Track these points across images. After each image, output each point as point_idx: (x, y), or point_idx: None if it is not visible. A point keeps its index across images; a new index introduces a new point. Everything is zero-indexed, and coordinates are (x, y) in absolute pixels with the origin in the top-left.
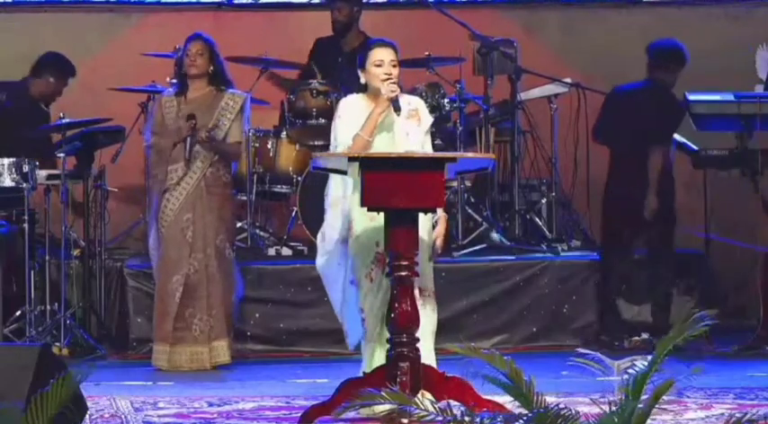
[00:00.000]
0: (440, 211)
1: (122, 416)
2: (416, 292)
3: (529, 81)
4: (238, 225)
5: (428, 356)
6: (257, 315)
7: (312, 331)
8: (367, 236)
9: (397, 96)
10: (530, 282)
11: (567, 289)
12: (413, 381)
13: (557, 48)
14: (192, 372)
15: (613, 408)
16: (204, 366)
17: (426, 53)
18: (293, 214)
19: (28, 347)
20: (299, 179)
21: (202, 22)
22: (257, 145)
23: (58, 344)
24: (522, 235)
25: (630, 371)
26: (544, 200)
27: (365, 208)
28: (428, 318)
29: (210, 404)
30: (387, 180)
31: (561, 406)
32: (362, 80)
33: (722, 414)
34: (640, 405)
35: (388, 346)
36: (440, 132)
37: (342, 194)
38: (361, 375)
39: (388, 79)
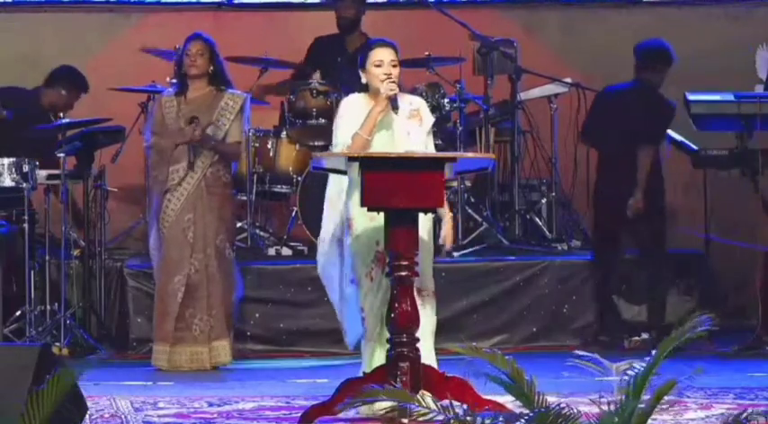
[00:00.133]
0: (445, 209)
1: (122, 416)
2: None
3: (529, 81)
4: (238, 225)
5: (428, 356)
6: (257, 315)
7: (312, 331)
8: (367, 235)
9: (395, 95)
10: (530, 282)
11: (566, 289)
12: (413, 381)
13: (557, 48)
14: (192, 372)
15: (613, 408)
16: (204, 366)
17: (426, 53)
18: (293, 214)
19: (28, 347)
20: (299, 179)
21: (202, 22)
22: (257, 145)
23: (57, 344)
24: (522, 235)
25: (630, 372)
26: (544, 200)
27: (365, 208)
28: (428, 318)
29: (210, 404)
30: (387, 180)
31: (562, 406)
32: (363, 80)
33: (722, 414)
34: (641, 405)
35: (388, 346)
36: (440, 132)
37: (337, 192)
38: (361, 375)
39: (387, 79)
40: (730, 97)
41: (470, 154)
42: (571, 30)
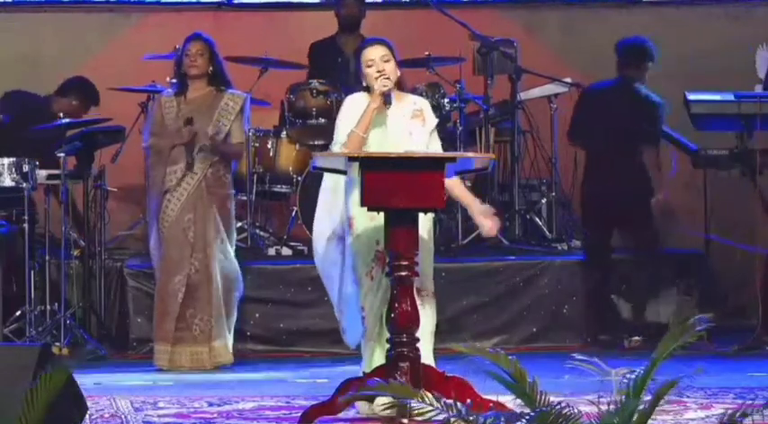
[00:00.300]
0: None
1: (122, 416)
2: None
3: (529, 81)
4: (238, 224)
5: (427, 356)
6: (257, 315)
7: (312, 331)
8: (368, 235)
9: (389, 90)
10: (530, 282)
11: (566, 289)
12: (413, 381)
13: (557, 48)
14: (192, 372)
15: (613, 408)
16: (204, 366)
17: (426, 53)
18: (293, 214)
19: (28, 347)
20: (299, 179)
21: (202, 21)
22: (257, 145)
23: (57, 344)
24: (522, 235)
25: (629, 376)
26: (544, 200)
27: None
28: (427, 318)
29: (210, 404)
30: (387, 180)
31: (563, 405)
32: (363, 83)
33: (722, 414)
34: (641, 406)
35: (388, 346)
36: (440, 132)
37: (331, 188)
38: (361, 374)
39: (380, 76)
40: (730, 97)
41: (470, 154)
42: (571, 30)
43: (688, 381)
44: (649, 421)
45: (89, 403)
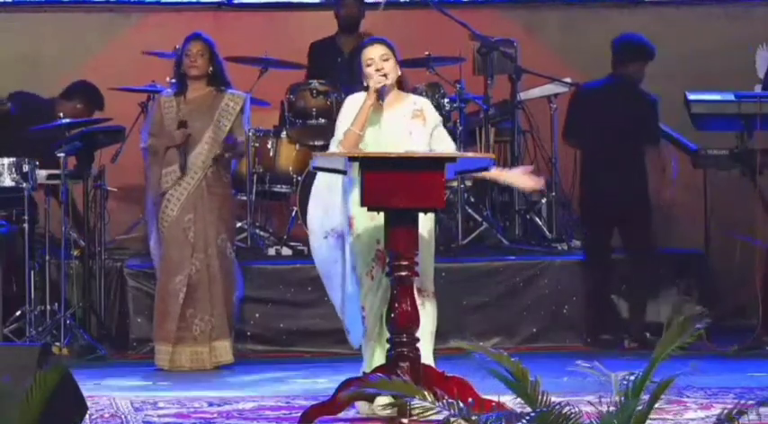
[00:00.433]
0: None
1: (122, 416)
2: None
3: (529, 81)
4: (238, 225)
5: (427, 356)
6: (257, 315)
7: (312, 331)
8: (368, 234)
9: (383, 87)
10: (530, 282)
11: (566, 289)
12: (413, 380)
13: (557, 48)
14: (192, 372)
15: (613, 409)
16: (204, 366)
17: (426, 53)
18: (293, 214)
19: (28, 347)
20: (299, 179)
21: (202, 21)
22: (257, 145)
23: (57, 344)
24: (522, 235)
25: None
26: (544, 200)
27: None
28: (428, 318)
29: (210, 404)
30: (387, 180)
31: (564, 405)
32: (364, 82)
33: (723, 413)
34: (639, 406)
35: (388, 346)
36: None
37: (325, 185)
38: (361, 374)
39: (378, 73)
40: (730, 97)
41: (470, 154)
42: (571, 30)
43: (685, 379)
44: (649, 421)
45: (89, 403)
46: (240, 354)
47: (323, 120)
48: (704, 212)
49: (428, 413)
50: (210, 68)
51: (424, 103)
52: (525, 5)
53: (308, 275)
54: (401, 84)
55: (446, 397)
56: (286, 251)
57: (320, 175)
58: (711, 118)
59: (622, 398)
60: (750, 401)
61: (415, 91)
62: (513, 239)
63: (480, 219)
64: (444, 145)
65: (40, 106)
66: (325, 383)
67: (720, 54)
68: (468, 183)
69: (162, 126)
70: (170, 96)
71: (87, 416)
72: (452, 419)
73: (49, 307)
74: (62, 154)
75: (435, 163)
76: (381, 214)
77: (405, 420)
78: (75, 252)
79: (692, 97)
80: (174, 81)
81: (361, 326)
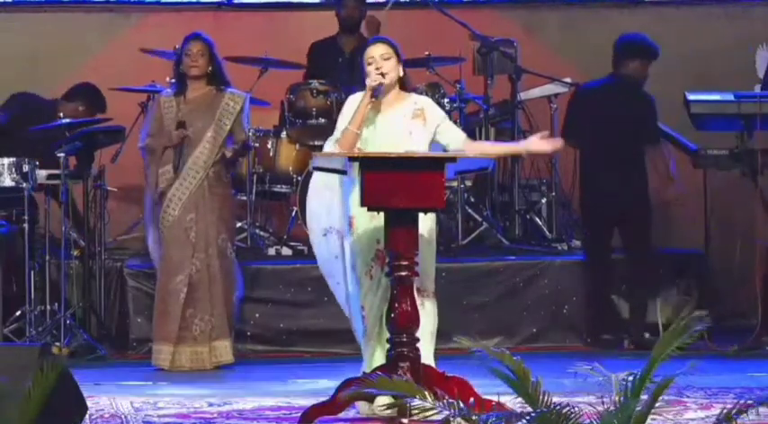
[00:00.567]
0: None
1: (122, 416)
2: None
3: (529, 81)
4: (238, 225)
5: (427, 357)
6: (257, 315)
7: (312, 331)
8: (368, 234)
9: (380, 85)
10: (530, 282)
11: (567, 289)
12: (413, 380)
13: (557, 48)
14: (192, 372)
15: (612, 408)
16: (204, 366)
17: (426, 53)
18: (293, 214)
19: (28, 347)
20: (299, 179)
21: (202, 21)
22: (257, 145)
23: (57, 344)
24: (522, 235)
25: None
26: (544, 200)
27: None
28: (427, 319)
29: (210, 404)
30: (387, 180)
31: (564, 404)
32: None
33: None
34: (639, 407)
35: (388, 346)
36: None
37: (323, 183)
38: (360, 374)
39: (376, 72)
40: (730, 97)
41: (470, 154)
42: (571, 31)
43: (685, 379)
44: (649, 421)
45: (89, 403)
46: (240, 354)
47: (323, 120)
48: (704, 212)
49: (428, 413)
50: (210, 68)
51: (426, 102)
52: (525, 5)
53: (308, 275)
54: (404, 84)
55: (446, 397)
56: (286, 251)
57: (317, 173)
58: (711, 118)
59: (622, 398)
60: (750, 401)
61: (415, 91)
62: (513, 239)
63: (480, 219)
64: (452, 134)
65: (42, 107)
66: (325, 383)
67: (720, 54)
68: (469, 183)
69: (161, 125)
70: (170, 96)
71: (87, 416)
72: (452, 419)
73: (49, 307)
74: (62, 154)
75: (435, 163)
76: (381, 214)
77: (405, 420)
78: (75, 252)
79: (691, 97)
80: (173, 81)
81: (362, 325)
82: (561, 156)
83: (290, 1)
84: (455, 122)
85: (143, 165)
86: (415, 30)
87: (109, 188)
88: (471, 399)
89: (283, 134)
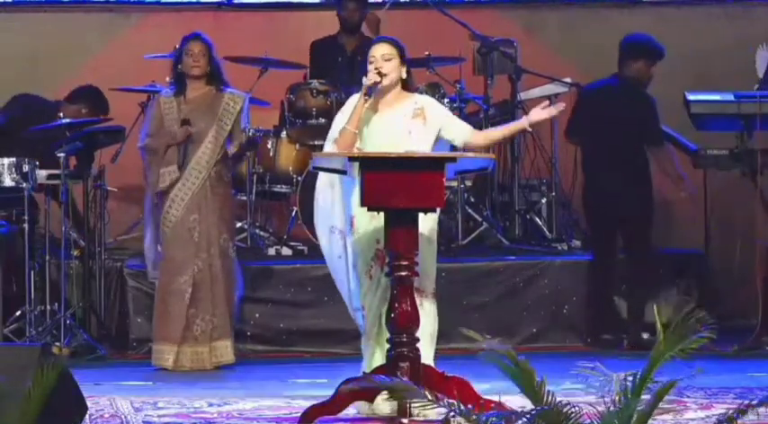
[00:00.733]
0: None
1: (122, 416)
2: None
3: (529, 81)
4: (238, 225)
5: (426, 357)
6: (257, 315)
7: (312, 331)
8: (368, 234)
9: (376, 85)
10: (530, 282)
11: (566, 289)
12: (413, 380)
13: (557, 48)
14: (192, 372)
15: (613, 408)
16: (204, 367)
17: (426, 53)
18: (293, 214)
19: (28, 347)
20: (299, 179)
21: (202, 21)
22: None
23: (58, 344)
24: (522, 235)
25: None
26: (544, 200)
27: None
28: (427, 319)
29: (210, 404)
30: (387, 180)
31: (564, 402)
32: None
33: (722, 414)
34: (640, 406)
35: (388, 346)
36: None
37: (328, 182)
38: (361, 374)
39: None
40: (730, 97)
41: (470, 154)
42: (571, 31)
43: (688, 382)
44: (649, 421)
45: (89, 403)
46: (240, 354)
47: (323, 120)
48: (704, 212)
49: (428, 410)
50: (209, 68)
51: (426, 102)
52: (525, 5)
53: (308, 275)
54: (407, 85)
55: (446, 397)
56: (286, 251)
57: (321, 176)
58: (711, 118)
59: (623, 398)
60: (750, 401)
61: (416, 91)
62: (513, 239)
63: (480, 219)
64: (457, 129)
65: (44, 109)
66: (325, 383)
67: (720, 54)
68: (469, 183)
69: (161, 125)
70: (169, 96)
71: (87, 416)
72: (452, 419)
73: (49, 307)
74: (62, 154)
75: (435, 163)
76: (382, 213)
77: (405, 420)
78: (75, 252)
79: (691, 97)
80: (172, 81)
81: (362, 325)
82: (561, 156)
83: (290, 1)
84: None
85: (143, 165)
86: (415, 30)
87: (109, 188)
88: (470, 400)
89: (283, 134)
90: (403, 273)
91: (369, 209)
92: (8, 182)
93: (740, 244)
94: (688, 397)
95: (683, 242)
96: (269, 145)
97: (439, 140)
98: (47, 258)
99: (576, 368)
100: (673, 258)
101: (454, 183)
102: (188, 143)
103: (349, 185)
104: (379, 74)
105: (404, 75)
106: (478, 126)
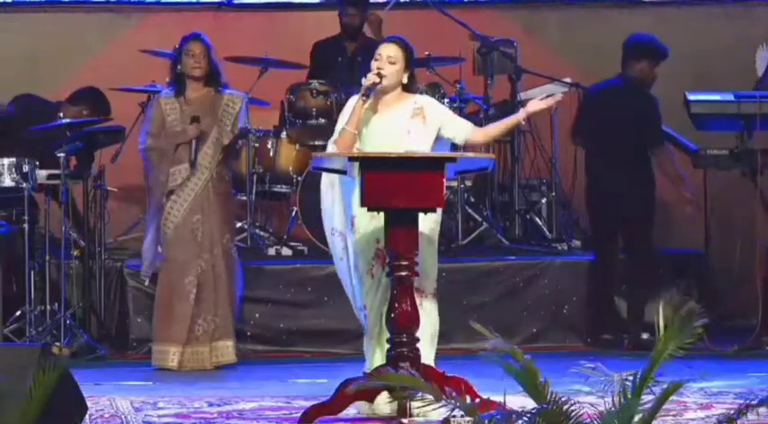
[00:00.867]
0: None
1: (122, 416)
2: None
3: (529, 81)
4: (238, 225)
5: (427, 358)
6: (257, 315)
7: (312, 331)
8: (369, 233)
9: (374, 85)
10: (530, 282)
11: (566, 289)
12: None
13: (557, 48)
14: (192, 372)
15: (613, 408)
16: (204, 366)
17: (426, 53)
18: (293, 214)
19: (28, 347)
20: (299, 179)
21: (202, 21)
22: (257, 145)
23: (58, 344)
24: (522, 235)
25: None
26: (544, 200)
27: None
28: (427, 320)
29: (210, 404)
30: (387, 180)
31: (565, 400)
32: None
33: (723, 414)
34: (641, 407)
35: (388, 346)
36: None
37: (329, 183)
38: (361, 374)
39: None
40: (730, 97)
41: (470, 154)
42: (571, 31)
43: (692, 382)
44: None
45: (89, 403)
46: (240, 354)
47: (323, 120)
48: (704, 212)
49: (429, 409)
50: (208, 69)
51: (426, 101)
52: (525, 5)
53: (308, 275)
54: (408, 87)
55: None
56: (286, 251)
57: (324, 176)
58: (711, 118)
59: (623, 398)
60: (750, 402)
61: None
62: (513, 239)
63: (480, 219)
64: (457, 127)
65: (45, 109)
66: (325, 383)
67: (720, 54)
68: (469, 183)
69: (163, 126)
70: (170, 96)
71: (87, 416)
72: (452, 419)
73: (49, 307)
74: (62, 154)
75: (435, 163)
76: (382, 213)
77: (405, 420)
78: (75, 252)
79: (691, 97)
80: (171, 81)
81: (364, 324)
82: (561, 156)
83: (291, 1)
84: None
85: (143, 166)
86: (415, 30)
87: (109, 188)
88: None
89: (283, 134)
90: (403, 273)
91: (369, 209)
92: (8, 182)
93: (740, 244)
94: (688, 397)
95: (683, 243)
96: (269, 146)
97: (439, 140)
98: (47, 258)
99: (576, 368)
100: (673, 258)
101: (454, 183)
102: (199, 140)
103: (349, 185)
104: (379, 75)
105: (405, 81)
106: (479, 126)
